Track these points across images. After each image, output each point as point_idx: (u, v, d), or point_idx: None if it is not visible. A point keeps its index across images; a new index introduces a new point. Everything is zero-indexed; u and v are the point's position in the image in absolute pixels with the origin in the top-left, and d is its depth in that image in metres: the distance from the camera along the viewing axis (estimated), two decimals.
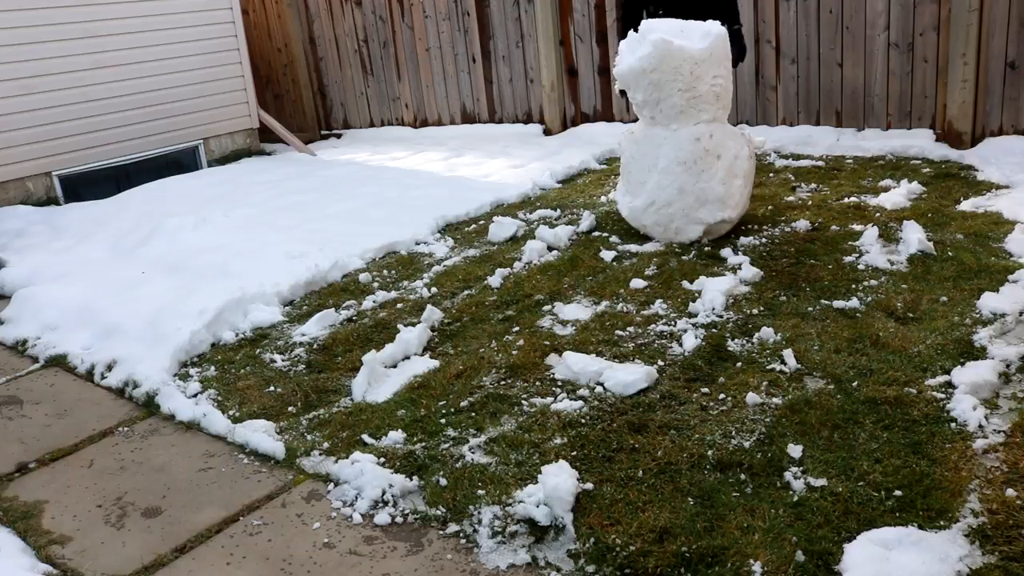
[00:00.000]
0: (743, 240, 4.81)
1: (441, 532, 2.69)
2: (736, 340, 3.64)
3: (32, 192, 7.44)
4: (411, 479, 2.92)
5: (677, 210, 4.79)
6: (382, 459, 3.04)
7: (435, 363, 3.75)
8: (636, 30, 4.75)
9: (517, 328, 4.01)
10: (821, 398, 3.14)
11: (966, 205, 5.04)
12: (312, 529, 2.78)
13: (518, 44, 8.29)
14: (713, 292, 4.01)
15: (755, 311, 3.90)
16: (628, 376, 3.33)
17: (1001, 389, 3.11)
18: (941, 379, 3.18)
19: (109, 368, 4.07)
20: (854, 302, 3.87)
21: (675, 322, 3.87)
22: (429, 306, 4.21)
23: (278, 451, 3.21)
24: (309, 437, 3.29)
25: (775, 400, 3.16)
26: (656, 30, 4.67)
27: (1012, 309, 3.63)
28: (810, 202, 5.40)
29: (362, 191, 6.61)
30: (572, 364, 3.49)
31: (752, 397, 3.16)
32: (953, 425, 2.90)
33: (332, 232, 5.56)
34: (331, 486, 2.98)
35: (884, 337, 3.52)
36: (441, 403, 3.41)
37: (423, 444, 3.13)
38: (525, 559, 2.52)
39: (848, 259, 4.38)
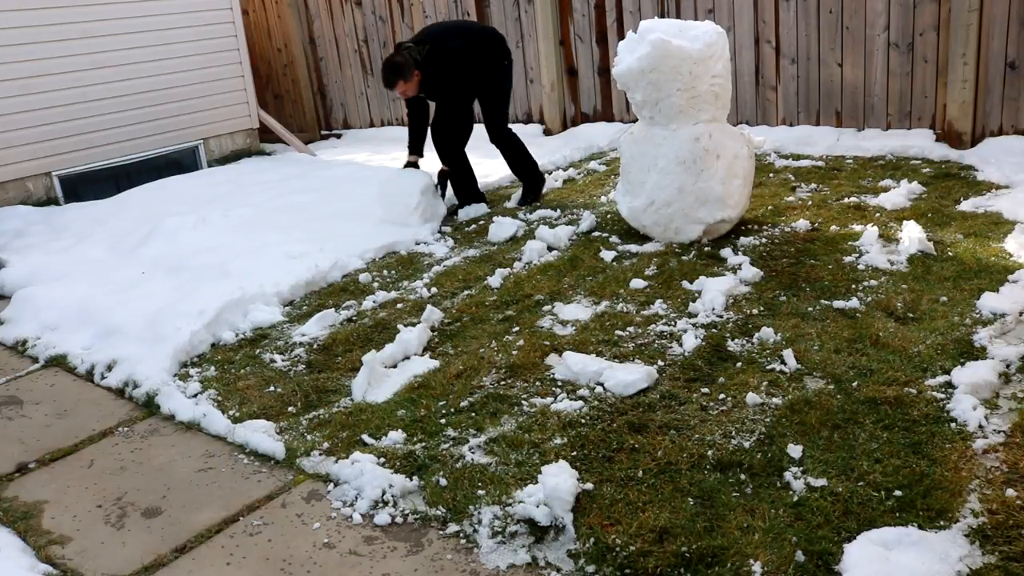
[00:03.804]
0: (743, 240, 4.81)
1: (441, 532, 2.69)
2: (736, 340, 3.64)
3: (32, 192, 7.44)
4: (411, 479, 2.92)
5: (677, 210, 4.79)
6: (382, 459, 3.04)
7: (435, 363, 3.75)
8: None
9: (517, 328, 4.01)
10: (821, 398, 3.14)
11: (966, 205, 5.04)
12: (312, 529, 2.78)
13: (518, 44, 8.29)
14: (713, 292, 4.01)
15: (755, 311, 3.90)
16: (628, 376, 3.33)
17: (1001, 389, 3.11)
18: (941, 379, 3.18)
19: (109, 368, 4.07)
20: (854, 302, 3.87)
21: (675, 322, 3.87)
22: (429, 306, 4.21)
23: (278, 451, 3.21)
24: (309, 437, 3.29)
25: (775, 400, 3.16)
26: (655, 30, 4.67)
27: (1012, 309, 3.63)
28: (810, 202, 5.40)
29: (362, 191, 6.61)
30: (572, 364, 3.49)
31: (752, 397, 3.16)
32: (953, 425, 2.90)
33: (332, 232, 5.56)
34: (331, 486, 2.98)
35: (884, 337, 3.52)
36: (441, 403, 3.41)
37: (423, 444, 3.13)
38: (525, 559, 2.52)
39: (848, 259, 4.38)
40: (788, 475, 2.71)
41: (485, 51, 5.75)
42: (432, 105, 5.94)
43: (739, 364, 3.45)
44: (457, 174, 6.00)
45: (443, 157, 5.96)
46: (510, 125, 6.05)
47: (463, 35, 5.86)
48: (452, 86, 5.68)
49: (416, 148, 5.90)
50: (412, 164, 5.86)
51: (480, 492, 2.80)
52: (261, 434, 3.32)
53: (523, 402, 3.34)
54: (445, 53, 5.55)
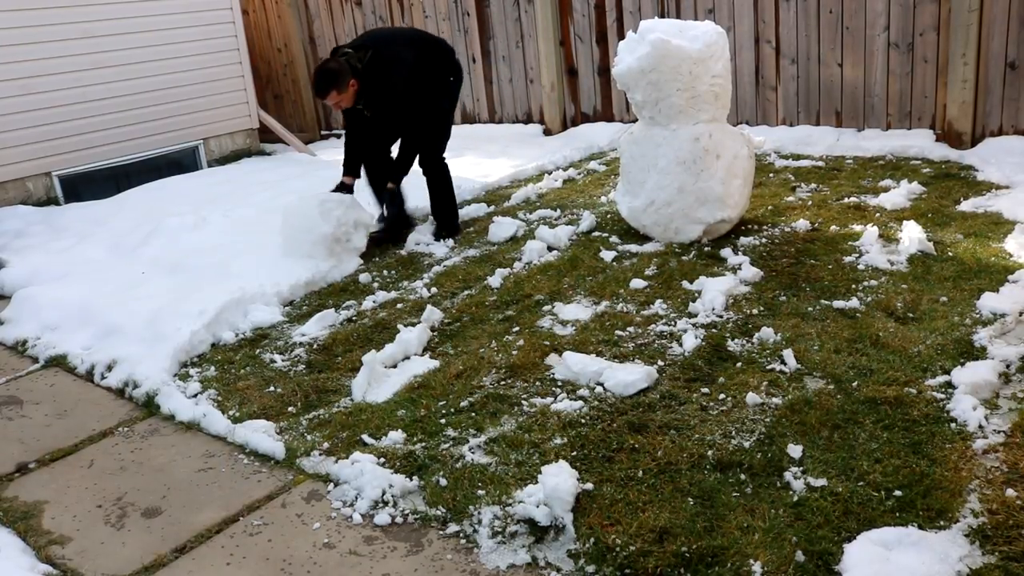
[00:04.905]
0: (743, 240, 4.81)
1: (441, 532, 2.69)
2: (736, 340, 3.64)
3: (32, 192, 7.44)
4: (411, 479, 2.92)
5: (677, 210, 4.79)
6: (382, 459, 3.04)
7: (435, 363, 3.75)
8: None
9: (517, 328, 4.01)
10: (821, 398, 3.14)
11: (966, 205, 5.04)
12: (312, 529, 2.78)
13: (518, 44, 8.29)
14: (713, 292, 4.01)
15: (755, 311, 3.90)
16: (628, 376, 3.33)
17: (1001, 389, 3.11)
18: (941, 379, 3.18)
19: (109, 368, 4.07)
20: (854, 302, 3.87)
21: (675, 322, 3.87)
22: (429, 306, 4.21)
23: (278, 451, 3.21)
24: (309, 437, 3.29)
25: (775, 400, 3.16)
26: (655, 30, 4.67)
27: (1012, 309, 3.63)
28: (810, 202, 5.40)
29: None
30: (572, 364, 3.49)
31: (752, 397, 3.16)
32: (953, 425, 2.90)
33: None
34: (331, 486, 2.98)
35: (884, 337, 3.52)
36: (441, 403, 3.41)
37: (423, 444, 3.13)
38: (525, 559, 2.52)
39: (848, 259, 4.38)
40: (788, 475, 2.71)
41: (434, 64, 5.20)
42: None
43: (739, 364, 3.45)
44: (438, 188, 5.47)
45: (427, 174, 5.43)
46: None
47: (412, 44, 5.21)
48: (400, 99, 5.06)
49: (352, 169, 5.35)
50: (345, 187, 5.34)
51: (480, 492, 2.80)
52: (261, 434, 3.32)
53: (523, 402, 3.34)
54: (393, 63, 4.94)
